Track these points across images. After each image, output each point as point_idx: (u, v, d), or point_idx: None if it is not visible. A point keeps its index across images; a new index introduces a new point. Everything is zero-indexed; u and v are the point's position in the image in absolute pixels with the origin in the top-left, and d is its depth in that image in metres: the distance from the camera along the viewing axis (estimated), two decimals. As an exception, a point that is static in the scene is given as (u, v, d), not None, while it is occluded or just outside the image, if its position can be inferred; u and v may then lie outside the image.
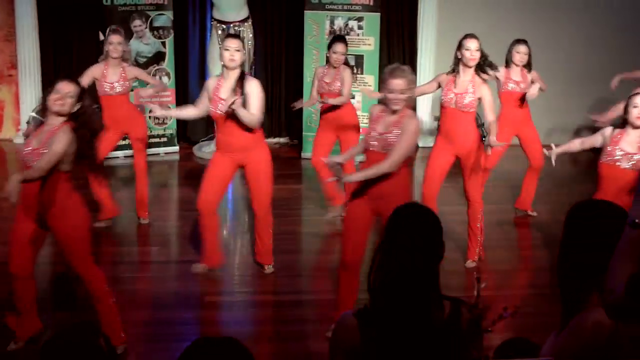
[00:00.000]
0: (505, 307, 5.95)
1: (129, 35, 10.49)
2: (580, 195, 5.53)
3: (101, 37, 10.40)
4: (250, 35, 10.51)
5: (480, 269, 6.87)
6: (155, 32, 10.67)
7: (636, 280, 2.40)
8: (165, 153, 10.79)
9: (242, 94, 6.27)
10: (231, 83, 6.36)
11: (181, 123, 10.72)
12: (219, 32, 10.46)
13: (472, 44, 6.67)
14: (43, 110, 5.22)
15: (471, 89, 6.64)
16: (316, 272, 7.12)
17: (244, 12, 10.53)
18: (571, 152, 6.45)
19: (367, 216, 5.47)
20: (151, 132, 10.72)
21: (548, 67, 9.90)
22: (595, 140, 5.84)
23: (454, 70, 6.77)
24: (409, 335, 2.74)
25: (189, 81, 11.29)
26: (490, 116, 6.56)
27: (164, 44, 10.72)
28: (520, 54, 7.93)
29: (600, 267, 2.55)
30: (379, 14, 10.47)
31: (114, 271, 6.90)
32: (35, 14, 10.90)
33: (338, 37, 8.38)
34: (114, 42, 7.58)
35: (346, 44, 8.14)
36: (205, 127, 10.99)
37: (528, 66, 7.97)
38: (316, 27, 10.50)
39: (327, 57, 8.10)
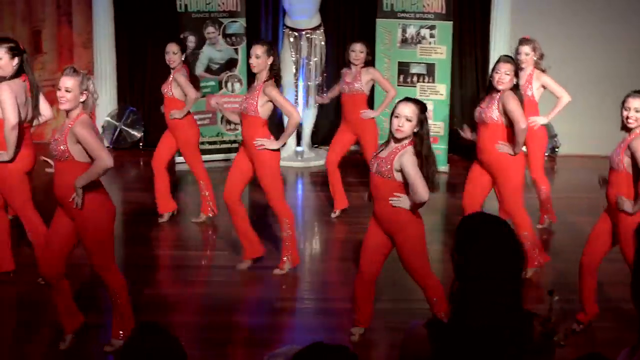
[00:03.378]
0: (578, 322, 5.87)
1: (202, 41, 10.64)
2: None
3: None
4: (322, 42, 10.55)
5: (553, 282, 6.77)
6: (228, 39, 10.78)
7: None
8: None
9: None
10: None
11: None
12: (291, 39, 10.52)
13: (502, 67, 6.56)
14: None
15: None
16: (388, 280, 7.08)
17: (316, 20, 10.57)
18: None
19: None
20: (223, 137, 10.84)
21: (628, 74, 9.79)
22: None
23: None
24: (481, 348, 2.70)
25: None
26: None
27: (236, 50, 10.82)
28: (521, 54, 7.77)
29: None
30: (451, 22, 10.39)
31: (184, 275, 6.98)
32: (112, 21, 11.13)
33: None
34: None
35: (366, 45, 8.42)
36: (278, 133, 11.02)
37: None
38: (388, 35, 10.48)
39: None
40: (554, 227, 8.11)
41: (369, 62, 8.41)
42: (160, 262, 7.56)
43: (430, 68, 10.40)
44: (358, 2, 11.32)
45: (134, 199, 9.07)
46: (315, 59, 10.55)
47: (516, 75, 6.60)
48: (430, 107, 10.12)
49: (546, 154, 10.90)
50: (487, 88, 6.71)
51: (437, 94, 10.28)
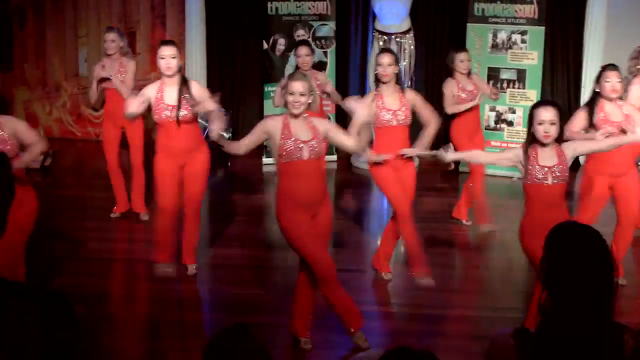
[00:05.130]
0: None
1: (292, 44, 10.71)
2: None
3: (265, 45, 10.67)
4: (412, 47, 10.51)
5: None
6: (318, 42, 10.83)
7: None
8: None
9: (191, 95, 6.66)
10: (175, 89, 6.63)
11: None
12: (381, 43, 10.51)
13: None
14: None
15: None
16: (476, 287, 7.02)
17: (406, 24, 10.55)
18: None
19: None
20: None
21: None
22: (507, 156, 5.65)
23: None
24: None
25: (349, 91, 11.37)
26: None
27: (325, 53, 10.87)
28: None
29: None
30: (543, 27, 10.23)
31: (270, 276, 7.03)
32: (203, 23, 11.30)
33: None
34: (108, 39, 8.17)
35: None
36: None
37: None
38: (479, 40, 10.38)
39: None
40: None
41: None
42: (248, 262, 7.58)
43: (521, 74, 10.26)
44: (449, 7, 11.24)
45: (221, 198, 9.20)
46: (404, 62, 10.51)
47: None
48: (519, 113, 10.02)
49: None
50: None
51: (527, 100, 10.12)
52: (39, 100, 12.23)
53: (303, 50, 8.29)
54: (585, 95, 10.81)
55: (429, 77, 11.35)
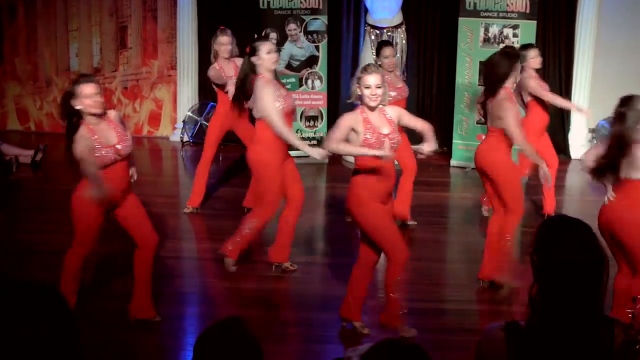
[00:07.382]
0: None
1: (283, 38, 10.70)
2: None
3: (257, 40, 10.66)
4: (404, 41, 10.50)
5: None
6: (310, 36, 10.82)
7: None
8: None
9: None
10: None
11: (331, 126, 10.89)
12: (372, 37, 10.50)
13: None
14: None
15: None
16: (460, 281, 7.02)
17: (398, 18, 10.54)
18: None
19: None
20: (302, 134, 10.87)
21: None
22: None
23: None
24: (558, 353, 2.66)
25: (341, 85, 11.39)
26: None
27: (317, 48, 10.85)
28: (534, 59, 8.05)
29: None
30: (535, 21, 10.23)
31: (259, 270, 7.01)
32: (195, 17, 11.29)
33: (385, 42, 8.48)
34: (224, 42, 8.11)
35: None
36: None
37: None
38: (470, 34, 10.37)
39: None
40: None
41: None
42: (250, 257, 7.54)
43: (513, 68, 10.25)
44: (440, 1, 11.25)
45: (213, 193, 9.19)
46: (397, 56, 10.51)
47: None
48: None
49: None
50: None
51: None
52: (30, 95, 12.19)
53: (387, 51, 8.01)
54: (575, 90, 10.85)
55: (421, 71, 11.36)
